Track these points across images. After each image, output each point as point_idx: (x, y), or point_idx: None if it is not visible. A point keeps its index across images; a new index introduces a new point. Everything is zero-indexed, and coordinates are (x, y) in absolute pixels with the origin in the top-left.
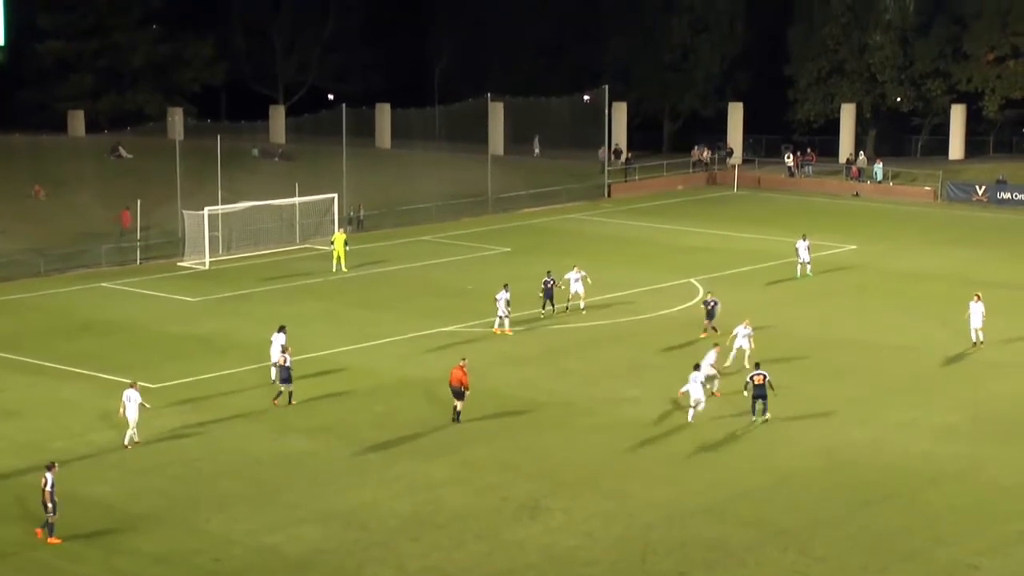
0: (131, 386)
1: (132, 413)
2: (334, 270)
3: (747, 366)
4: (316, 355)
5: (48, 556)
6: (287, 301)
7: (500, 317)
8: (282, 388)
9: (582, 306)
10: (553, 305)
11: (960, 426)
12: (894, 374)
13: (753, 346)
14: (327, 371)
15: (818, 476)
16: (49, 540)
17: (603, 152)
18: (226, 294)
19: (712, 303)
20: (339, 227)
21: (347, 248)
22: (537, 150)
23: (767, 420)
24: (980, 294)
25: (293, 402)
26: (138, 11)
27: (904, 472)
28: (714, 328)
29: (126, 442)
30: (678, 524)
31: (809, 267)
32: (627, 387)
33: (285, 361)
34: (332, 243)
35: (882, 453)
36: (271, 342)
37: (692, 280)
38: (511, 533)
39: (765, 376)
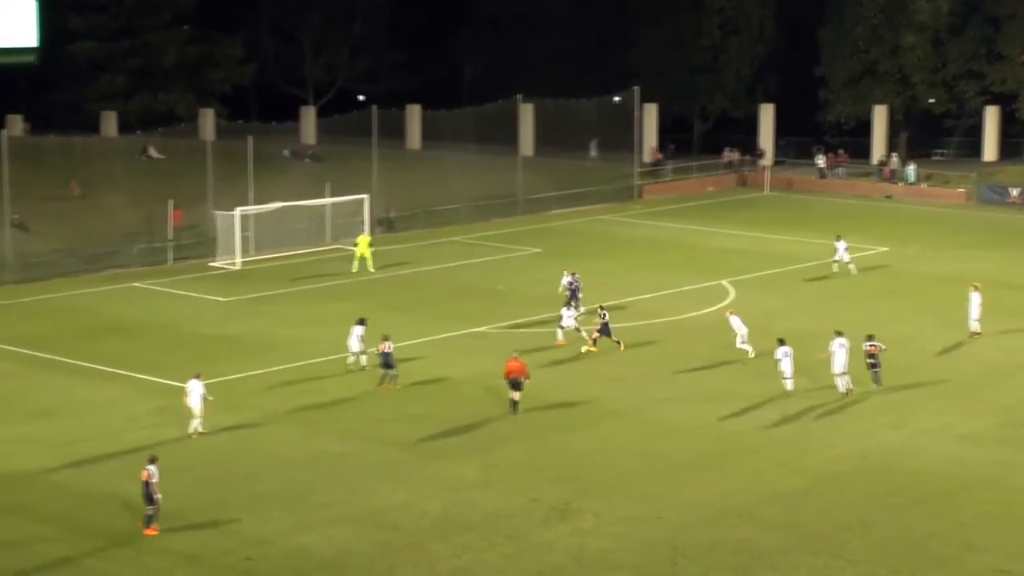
0: (195, 377)
1: (194, 403)
2: (354, 270)
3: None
4: (345, 356)
5: (80, 555)
6: (318, 302)
7: (562, 328)
8: (384, 371)
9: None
10: (578, 307)
11: (991, 431)
12: (925, 378)
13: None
14: (354, 374)
15: (850, 479)
16: (145, 531)
17: (654, 151)
18: (257, 294)
19: (603, 314)
20: (366, 229)
21: (372, 249)
22: (594, 152)
23: (880, 389)
24: (978, 284)
25: (397, 385)
26: (168, 12)
27: (936, 477)
28: (617, 342)
29: (190, 431)
30: (708, 527)
31: (852, 265)
32: (656, 389)
33: (387, 348)
34: (355, 244)
35: (914, 457)
36: (350, 334)
37: (723, 282)
38: (540, 535)
39: (878, 346)
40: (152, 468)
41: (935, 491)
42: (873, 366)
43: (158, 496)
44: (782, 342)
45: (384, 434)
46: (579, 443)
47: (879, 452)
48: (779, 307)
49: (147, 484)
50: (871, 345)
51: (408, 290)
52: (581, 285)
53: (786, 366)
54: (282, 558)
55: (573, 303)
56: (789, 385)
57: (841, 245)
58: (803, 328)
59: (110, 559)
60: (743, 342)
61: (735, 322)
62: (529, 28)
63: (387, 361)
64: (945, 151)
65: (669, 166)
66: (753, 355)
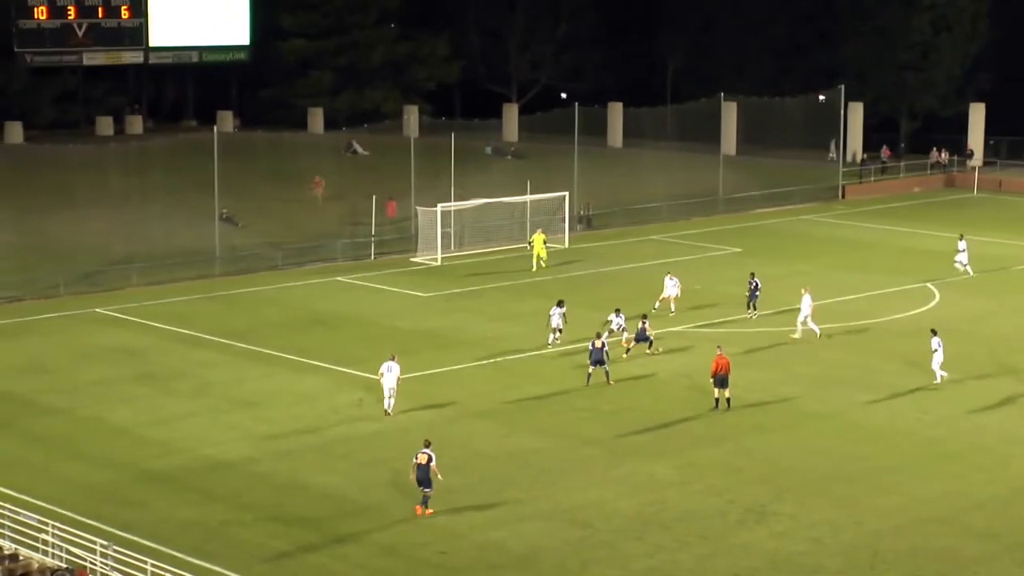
0: (391, 358)
1: (390, 382)
2: (533, 269)
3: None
4: (538, 354)
5: (278, 542)
6: (516, 298)
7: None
8: (591, 370)
9: (672, 308)
10: (756, 307)
11: None
12: None
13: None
14: (551, 370)
15: None
16: (427, 512)
17: (886, 151)
18: (456, 290)
19: (633, 328)
20: (565, 227)
21: (547, 247)
22: (833, 154)
23: None
24: None
25: (611, 382)
26: (376, 10)
27: None
28: (627, 345)
29: (387, 407)
30: (908, 533)
31: (967, 266)
32: (856, 392)
33: (603, 345)
34: (531, 244)
35: None
36: (550, 315)
37: (928, 284)
38: (736, 536)
39: None
40: (428, 451)
41: None
42: None
43: (439, 478)
44: (934, 332)
45: (579, 430)
46: (776, 445)
47: None
48: (986, 310)
49: (425, 467)
50: None
51: (605, 288)
52: (760, 286)
53: (938, 356)
54: (475, 552)
55: (751, 303)
56: (937, 376)
57: (962, 244)
58: (1012, 331)
59: (308, 547)
60: (804, 321)
61: (806, 301)
62: (732, 26)
63: (598, 357)
64: None
65: (901, 163)
66: (798, 336)
